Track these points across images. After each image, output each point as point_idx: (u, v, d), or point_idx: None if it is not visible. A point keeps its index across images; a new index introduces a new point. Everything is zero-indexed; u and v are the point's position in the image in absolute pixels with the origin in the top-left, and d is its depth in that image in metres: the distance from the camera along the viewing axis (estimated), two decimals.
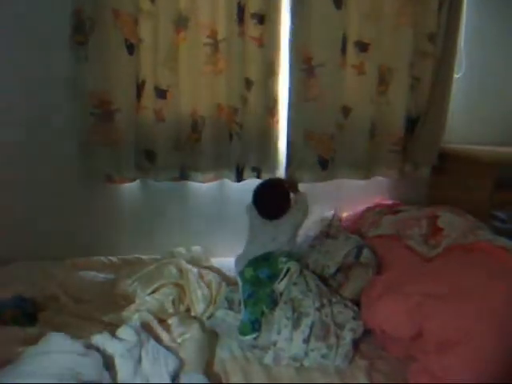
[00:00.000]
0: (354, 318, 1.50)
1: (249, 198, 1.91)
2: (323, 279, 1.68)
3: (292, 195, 1.94)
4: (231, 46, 1.92)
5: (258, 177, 2.09)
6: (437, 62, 2.08)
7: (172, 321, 1.54)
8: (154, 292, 1.64)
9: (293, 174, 2.09)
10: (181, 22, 1.87)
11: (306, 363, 1.39)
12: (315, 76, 1.99)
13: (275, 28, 1.94)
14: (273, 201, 1.88)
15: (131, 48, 1.85)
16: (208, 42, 1.91)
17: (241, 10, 1.88)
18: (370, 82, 2.06)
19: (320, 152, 2.09)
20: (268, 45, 1.95)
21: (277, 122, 2.06)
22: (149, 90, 1.93)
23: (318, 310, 1.48)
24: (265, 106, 2.01)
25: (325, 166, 2.11)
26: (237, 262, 1.86)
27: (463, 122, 2.24)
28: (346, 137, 2.11)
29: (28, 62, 1.88)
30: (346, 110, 2.09)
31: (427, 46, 2.06)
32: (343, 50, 2.00)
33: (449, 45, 2.04)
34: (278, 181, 1.98)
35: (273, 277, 1.62)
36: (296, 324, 1.44)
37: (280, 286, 1.57)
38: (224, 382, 1.31)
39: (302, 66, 1.98)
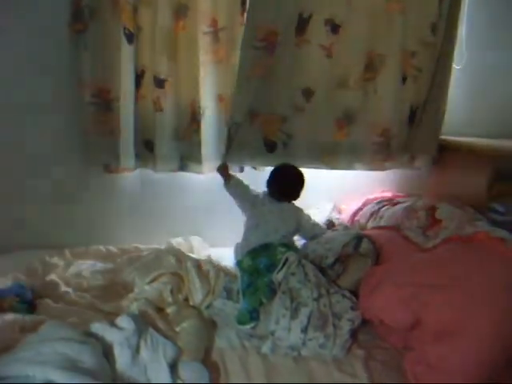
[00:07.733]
0: (351, 308, 1.51)
1: None
2: (321, 269, 1.68)
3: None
4: (232, 35, 1.90)
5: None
6: (437, 52, 2.06)
7: (170, 310, 1.55)
8: (152, 281, 1.64)
9: (231, 157, 1.94)
10: (180, 11, 1.85)
11: (304, 353, 1.40)
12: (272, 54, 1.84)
13: None
14: (296, 179, 1.88)
15: (130, 37, 1.84)
16: (208, 31, 1.89)
17: None
18: (340, 65, 1.93)
19: (266, 134, 1.96)
20: None
21: None
22: (148, 79, 1.91)
23: (316, 300, 1.49)
24: None
25: (272, 149, 1.97)
26: (236, 249, 1.86)
27: (462, 115, 2.23)
28: (307, 121, 1.96)
29: (27, 51, 1.86)
30: (307, 93, 1.94)
31: (428, 36, 2.03)
32: (302, 28, 1.86)
33: (449, 35, 2.02)
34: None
35: (271, 267, 1.62)
36: (294, 314, 1.45)
37: (278, 275, 1.58)
38: (222, 370, 1.32)
39: (257, 44, 1.82)
